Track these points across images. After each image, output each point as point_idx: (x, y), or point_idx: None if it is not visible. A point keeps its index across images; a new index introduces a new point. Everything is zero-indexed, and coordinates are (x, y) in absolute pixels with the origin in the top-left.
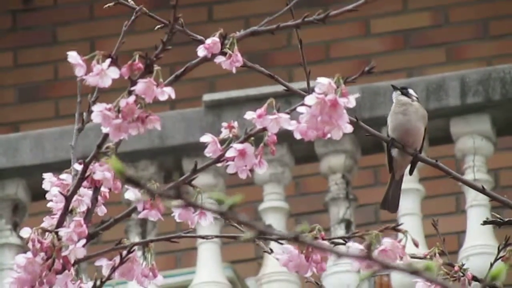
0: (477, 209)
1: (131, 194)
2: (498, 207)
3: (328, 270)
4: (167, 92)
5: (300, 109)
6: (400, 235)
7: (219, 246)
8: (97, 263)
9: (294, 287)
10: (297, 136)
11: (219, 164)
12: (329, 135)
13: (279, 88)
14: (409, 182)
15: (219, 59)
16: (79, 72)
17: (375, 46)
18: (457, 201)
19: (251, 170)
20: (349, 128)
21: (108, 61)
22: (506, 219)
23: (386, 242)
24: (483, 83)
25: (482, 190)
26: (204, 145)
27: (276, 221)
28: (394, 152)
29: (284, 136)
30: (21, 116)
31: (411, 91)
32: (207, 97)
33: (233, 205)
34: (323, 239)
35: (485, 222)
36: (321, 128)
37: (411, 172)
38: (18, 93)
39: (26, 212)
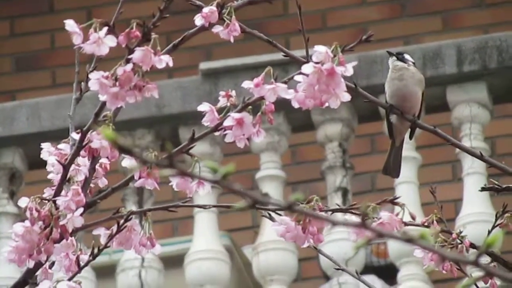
0: (474, 177)
1: (128, 162)
2: (494, 175)
3: (325, 238)
4: (165, 60)
5: (298, 77)
6: (398, 208)
7: (216, 214)
8: (95, 232)
9: (291, 255)
10: (295, 104)
11: (216, 133)
12: (326, 104)
13: (276, 56)
14: (406, 150)
15: (217, 28)
16: (76, 40)
17: (372, 14)
18: (453, 169)
19: (249, 139)
20: (346, 97)
21: (105, 29)
22: (504, 186)
23: (384, 215)
24: (479, 51)
25: (480, 157)
26: (201, 114)
27: (272, 190)
28: (393, 118)
29: (281, 105)
30: (18, 85)
31: (407, 56)
32: (203, 65)
33: (227, 174)
34: (320, 210)
35: (483, 189)
36: (318, 96)
37: (411, 137)
38: (15, 62)
39: (22, 181)
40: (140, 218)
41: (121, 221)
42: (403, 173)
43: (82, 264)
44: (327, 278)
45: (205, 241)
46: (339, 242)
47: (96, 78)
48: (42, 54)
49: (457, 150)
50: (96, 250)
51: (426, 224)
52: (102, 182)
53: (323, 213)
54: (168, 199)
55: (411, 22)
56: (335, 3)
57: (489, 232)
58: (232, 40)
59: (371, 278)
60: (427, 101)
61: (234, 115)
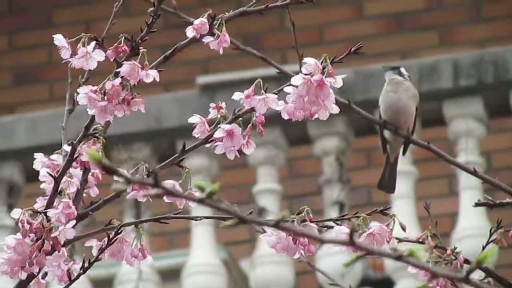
0: (469, 192)
1: (118, 185)
2: (490, 190)
3: (322, 251)
4: (152, 75)
5: (287, 89)
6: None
7: (213, 227)
8: (87, 244)
9: (288, 268)
10: (285, 116)
11: (207, 145)
12: (316, 116)
13: (272, 70)
14: (402, 165)
15: (207, 39)
16: (65, 54)
17: (369, 29)
18: (450, 183)
19: (240, 151)
20: (335, 109)
21: (93, 43)
22: (498, 201)
23: (374, 226)
24: (475, 66)
25: (474, 172)
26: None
27: (269, 203)
28: (387, 134)
29: (278, 119)
30: (17, 98)
31: (403, 69)
32: (201, 79)
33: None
34: (311, 221)
35: (477, 204)
36: (308, 108)
37: (404, 153)
38: (13, 76)
39: (20, 194)
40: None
41: (112, 233)
42: (399, 187)
43: (75, 273)
44: None
45: (202, 254)
46: (336, 256)
47: (84, 93)
48: (40, 68)
49: None
50: (87, 263)
51: (420, 240)
52: (94, 192)
53: (312, 231)
54: (165, 211)
55: (408, 37)
56: (332, 17)
57: (483, 247)
58: (221, 51)
59: None
60: (424, 116)
61: (224, 126)
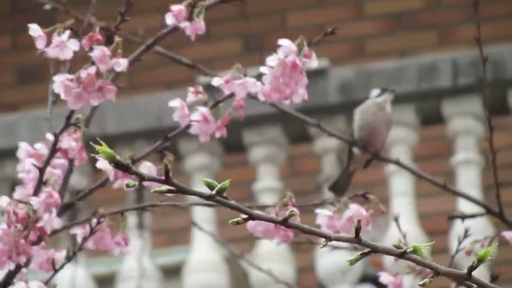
0: (468, 189)
1: (102, 164)
2: (491, 188)
3: (323, 248)
4: (122, 64)
5: (263, 69)
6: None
7: (215, 225)
8: (72, 232)
9: (288, 266)
10: (261, 97)
11: (190, 130)
12: (289, 99)
13: None
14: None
15: (183, 24)
16: (40, 44)
17: (369, 28)
18: (448, 181)
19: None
20: (304, 95)
21: (68, 32)
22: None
23: (352, 209)
24: (474, 65)
25: (444, 186)
26: None
27: (270, 201)
28: (356, 150)
29: (278, 117)
30: (20, 97)
31: (388, 96)
32: (203, 79)
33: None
34: (293, 206)
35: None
36: (283, 90)
37: (365, 167)
38: (17, 75)
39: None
40: (139, 221)
41: (94, 222)
42: (399, 184)
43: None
44: None
45: (204, 251)
46: (336, 253)
47: (60, 81)
48: (44, 67)
49: (453, 162)
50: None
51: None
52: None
53: (319, 230)
54: (167, 209)
55: (407, 36)
56: (333, 17)
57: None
58: (193, 38)
59: None
60: (423, 114)
61: (202, 109)
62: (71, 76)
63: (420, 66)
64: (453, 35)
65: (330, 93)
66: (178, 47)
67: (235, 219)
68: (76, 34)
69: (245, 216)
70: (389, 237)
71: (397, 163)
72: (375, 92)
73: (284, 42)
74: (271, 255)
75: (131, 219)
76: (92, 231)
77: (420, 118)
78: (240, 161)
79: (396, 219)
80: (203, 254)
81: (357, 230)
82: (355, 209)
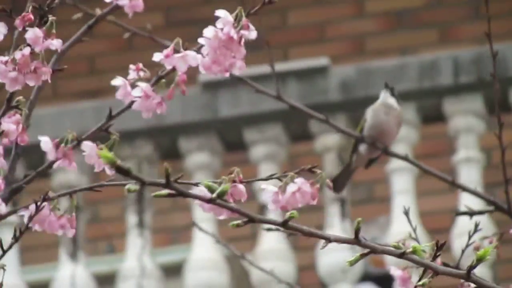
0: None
1: (44, 144)
2: (492, 187)
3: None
4: (56, 44)
5: (201, 40)
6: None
7: (215, 223)
8: (20, 213)
9: (289, 265)
10: (202, 70)
11: (131, 106)
12: (229, 72)
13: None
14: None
15: (122, 1)
16: None
17: (369, 26)
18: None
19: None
20: (242, 67)
21: None
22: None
23: (298, 182)
24: (475, 63)
25: (452, 183)
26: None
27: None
28: (362, 147)
29: (279, 115)
30: (19, 93)
31: (396, 93)
32: (203, 77)
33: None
34: (241, 182)
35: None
36: (222, 62)
37: (367, 166)
38: None
39: (22, 190)
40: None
41: (39, 203)
42: (401, 183)
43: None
44: (324, 287)
45: (204, 250)
46: (337, 252)
47: None
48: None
49: (456, 160)
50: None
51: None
52: None
53: (319, 232)
54: (167, 206)
55: (408, 34)
56: (333, 15)
57: (462, 252)
58: (130, 15)
59: (369, 287)
60: (424, 112)
61: (142, 85)
62: (5, 58)
63: (421, 64)
64: (454, 33)
65: (330, 91)
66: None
67: (236, 222)
68: (9, 15)
69: (245, 219)
70: (390, 235)
71: (406, 158)
72: (383, 93)
73: (220, 13)
74: (272, 253)
75: (131, 218)
76: (38, 211)
77: (421, 116)
78: (241, 160)
79: (406, 213)
80: (203, 252)
81: (356, 231)
82: (299, 183)
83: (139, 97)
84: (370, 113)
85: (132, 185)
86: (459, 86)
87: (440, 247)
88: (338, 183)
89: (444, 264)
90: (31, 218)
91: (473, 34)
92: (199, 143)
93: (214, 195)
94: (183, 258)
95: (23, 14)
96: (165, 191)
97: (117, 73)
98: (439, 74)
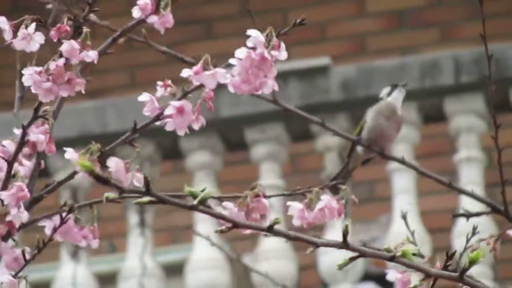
0: (470, 188)
1: (69, 154)
2: (493, 185)
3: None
4: (91, 56)
5: (232, 61)
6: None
7: (217, 223)
8: (40, 224)
9: (290, 264)
10: (231, 90)
11: (158, 122)
12: (260, 91)
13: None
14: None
15: (151, 19)
16: (8, 37)
17: (370, 25)
18: (451, 178)
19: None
20: (275, 86)
21: (33, 25)
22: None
23: (324, 199)
24: (476, 63)
25: (449, 185)
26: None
27: (272, 199)
28: (359, 149)
29: (281, 114)
30: None
31: (402, 91)
32: None
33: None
34: (264, 197)
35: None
36: (253, 82)
37: (364, 163)
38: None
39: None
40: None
41: (64, 214)
42: (401, 182)
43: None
44: (325, 286)
45: (206, 249)
46: (338, 252)
47: (29, 74)
48: (30, 64)
49: (456, 160)
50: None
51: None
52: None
53: (306, 236)
54: (168, 207)
55: (409, 34)
56: (334, 14)
57: (461, 255)
58: (162, 31)
59: (370, 287)
60: (425, 112)
61: (174, 103)
62: (39, 69)
63: (422, 63)
64: (455, 33)
65: (332, 90)
66: (179, 45)
67: (220, 228)
68: (44, 25)
69: (229, 224)
70: (391, 235)
71: (402, 161)
72: (385, 90)
73: (252, 32)
74: (273, 253)
75: (133, 217)
76: (62, 223)
77: (422, 116)
78: (242, 159)
79: (404, 217)
80: (205, 252)
81: (344, 235)
82: (326, 200)
83: (170, 115)
84: (371, 115)
85: (111, 193)
86: (460, 86)
87: (450, 257)
88: (336, 183)
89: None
90: (55, 230)
91: (475, 34)
92: (200, 143)
93: (196, 201)
94: (184, 257)
95: (59, 25)
96: (146, 199)
97: (117, 73)
98: (440, 74)
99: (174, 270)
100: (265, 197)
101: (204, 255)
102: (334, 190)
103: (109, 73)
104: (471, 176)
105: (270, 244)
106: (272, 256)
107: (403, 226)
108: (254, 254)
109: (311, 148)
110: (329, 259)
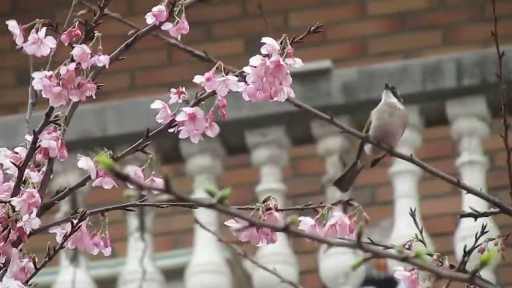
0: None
1: (84, 162)
2: (495, 189)
3: (327, 252)
4: (103, 61)
5: (247, 69)
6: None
7: (217, 227)
8: (51, 231)
9: (291, 268)
10: (245, 97)
11: (170, 130)
12: (276, 98)
13: None
14: (405, 164)
15: (166, 26)
16: (19, 41)
17: (372, 28)
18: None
19: (204, 135)
20: (291, 93)
21: (44, 29)
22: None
23: (336, 216)
24: (479, 65)
25: (458, 184)
26: None
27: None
28: (367, 148)
29: (281, 118)
30: (20, 98)
31: (398, 93)
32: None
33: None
34: (276, 210)
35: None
36: (268, 89)
37: (372, 165)
38: (16, 76)
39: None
40: (141, 224)
41: (75, 221)
42: (403, 186)
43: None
44: None
45: (206, 253)
46: (339, 256)
47: (39, 78)
48: (44, 68)
49: (458, 163)
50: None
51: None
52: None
53: (319, 235)
54: (169, 211)
55: (411, 36)
56: (336, 17)
57: (469, 252)
58: (179, 38)
59: None
60: (427, 115)
61: (187, 109)
62: (50, 73)
63: (424, 66)
64: (457, 35)
65: (333, 93)
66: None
67: (237, 226)
68: (55, 30)
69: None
70: (393, 239)
71: (410, 159)
72: (385, 93)
73: (267, 40)
74: (274, 257)
75: (133, 222)
76: (74, 230)
77: (424, 119)
78: (243, 163)
79: (413, 215)
80: (205, 256)
81: (359, 235)
82: (338, 217)
83: (183, 122)
84: (375, 115)
85: (131, 191)
86: (463, 89)
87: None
88: (344, 182)
89: (451, 267)
90: (66, 237)
91: (477, 37)
92: (200, 146)
93: (214, 200)
94: (185, 261)
95: (70, 29)
96: (165, 196)
97: (117, 75)
98: (442, 77)
99: (174, 275)
100: (277, 210)
101: (204, 259)
102: (339, 187)
103: (109, 76)
104: (473, 180)
105: (271, 248)
106: (273, 260)
107: (405, 230)
108: (255, 258)
109: (312, 152)
110: (330, 263)
